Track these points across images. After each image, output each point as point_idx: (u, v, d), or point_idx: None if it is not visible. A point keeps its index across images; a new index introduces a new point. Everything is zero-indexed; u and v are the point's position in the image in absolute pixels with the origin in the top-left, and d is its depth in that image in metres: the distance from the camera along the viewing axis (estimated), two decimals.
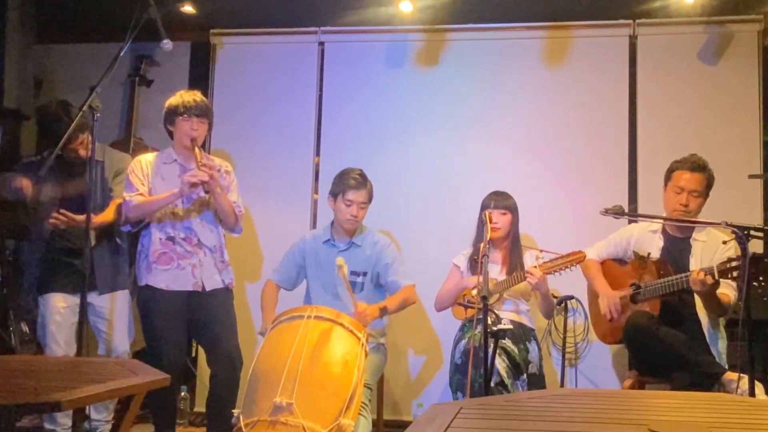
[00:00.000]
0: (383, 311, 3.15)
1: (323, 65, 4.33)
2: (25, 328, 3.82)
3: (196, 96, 3.25)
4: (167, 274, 3.20)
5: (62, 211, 3.15)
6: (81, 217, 3.08)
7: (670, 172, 3.17)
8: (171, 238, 3.22)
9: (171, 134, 3.29)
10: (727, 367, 2.94)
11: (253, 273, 4.17)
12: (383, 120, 4.22)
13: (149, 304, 3.23)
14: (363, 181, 3.30)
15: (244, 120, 4.31)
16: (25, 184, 3.20)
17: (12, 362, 2.29)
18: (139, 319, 3.31)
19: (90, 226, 2.94)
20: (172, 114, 3.22)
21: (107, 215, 3.31)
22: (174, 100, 3.24)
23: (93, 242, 3.22)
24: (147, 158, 3.33)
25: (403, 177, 4.14)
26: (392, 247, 3.39)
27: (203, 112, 3.23)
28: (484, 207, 3.33)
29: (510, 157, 4.07)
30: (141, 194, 3.21)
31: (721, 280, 2.81)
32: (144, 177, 3.26)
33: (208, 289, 3.23)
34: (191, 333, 3.39)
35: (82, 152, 3.25)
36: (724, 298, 2.95)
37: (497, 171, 4.01)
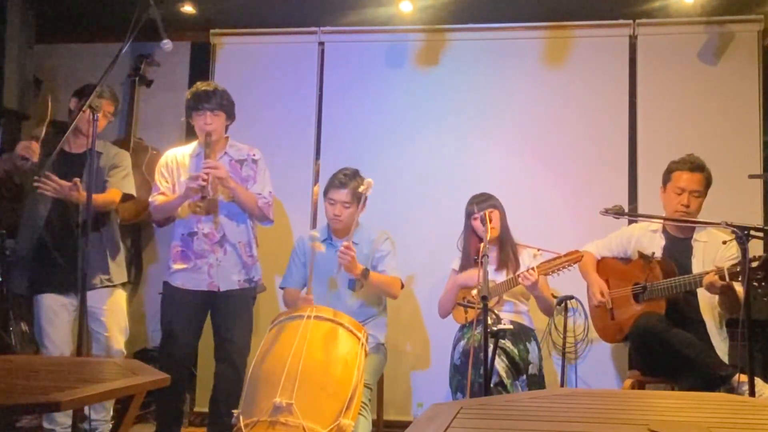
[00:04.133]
0: (365, 273, 3.15)
1: (323, 65, 4.33)
2: (25, 328, 3.82)
3: (210, 87, 3.22)
4: (183, 273, 3.22)
5: (47, 173, 3.05)
6: (67, 183, 3.06)
7: (668, 172, 3.18)
8: (192, 234, 3.22)
9: (194, 128, 3.31)
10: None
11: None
12: (383, 120, 4.22)
13: (167, 301, 3.28)
14: (346, 180, 3.26)
15: (243, 120, 4.29)
16: (31, 147, 3.09)
17: (12, 362, 2.29)
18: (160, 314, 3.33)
19: (88, 229, 2.92)
20: (189, 108, 3.23)
21: (101, 196, 3.21)
22: (189, 93, 3.24)
23: (81, 240, 3.19)
24: (173, 153, 3.34)
25: (402, 177, 4.14)
26: (388, 241, 3.40)
27: (217, 105, 3.19)
28: (470, 213, 3.32)
29: (510, 157, 4.07)
30: (162, 193, 3.23)
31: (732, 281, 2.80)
32: (168, 173, 3.27)
33: (222, 289, 3.23)
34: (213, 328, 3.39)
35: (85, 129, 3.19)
36: (741, 295, 2.93)
37: (497, 171, 4.01)
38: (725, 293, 2.85)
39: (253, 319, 3.41)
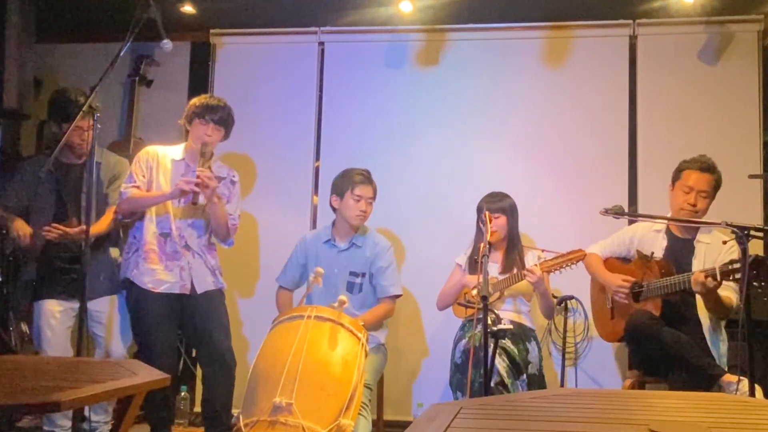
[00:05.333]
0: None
1: (323, 65, 4.32)
2: (25, 328, 3.81)
3: (221, 102, 3.24)
4: (154, 275, 3.18)
5: (54, 225, 3.13)
6: (73, 230, 3.12)
7: (678, 171, 3.17)
8: (164, 234, 3.21)
9: (186, 132, 3.29)
10: (726, 369, 2.94)
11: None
12: (383, 120, 4.22)
13: (138, 306, 3.21)
14: (369, 176, 3.35)
15: (243, 120, 4.29)
16: (23, 232, 3.18)
17: (12, 362, 2.28)
18: (130, 319, 3.29)
19: (88, 231, 2.92)
20: (193, 114, 3.21)
21: (102, 225, 3.27)
22: (198, 100, 3.23)
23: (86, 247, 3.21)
24: (155, 150, 3.31)
25: (403, 177, 4.13)
26: (391, 251, 3.40)
27: (222, 121, 3.21)
28: (479, 210, 3.34)
29: (510, 157, 4.07)
30: (137, 186, 3.20)
31: (723, 282, 2.81)
32: (146, 169, 3.24)
33: (199, 291, 3.22)
34: (185, 336, 3.38)
35: (83, 141, 3.21)
36: (726, 300, 2.95)
37: (497, 171, 4.01)
38: (710, 294, 2.85)
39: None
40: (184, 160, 3.28)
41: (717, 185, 3.12)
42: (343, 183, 3.34)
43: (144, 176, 3.23)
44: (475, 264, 3.26)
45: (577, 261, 3.08)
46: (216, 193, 3.16)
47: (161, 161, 3.27)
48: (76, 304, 3.25)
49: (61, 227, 3.13)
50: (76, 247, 3.19)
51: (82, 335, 2.86)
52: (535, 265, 3.12)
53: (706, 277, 2.78)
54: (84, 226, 3.09)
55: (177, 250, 3.20)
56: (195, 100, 3.24)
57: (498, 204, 3.32)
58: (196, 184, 3.05)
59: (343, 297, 2.90)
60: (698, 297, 3.01)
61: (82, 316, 2.87)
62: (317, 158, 4.29)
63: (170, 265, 3.19)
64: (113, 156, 3.47)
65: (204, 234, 3.29)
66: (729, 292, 2.96)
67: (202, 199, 3.13)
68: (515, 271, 3.26)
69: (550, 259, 3.12)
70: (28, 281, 3.29)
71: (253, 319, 4.06)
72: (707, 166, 3.11)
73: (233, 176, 3.38)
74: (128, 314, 3.38)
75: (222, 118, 3.21)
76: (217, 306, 3.28)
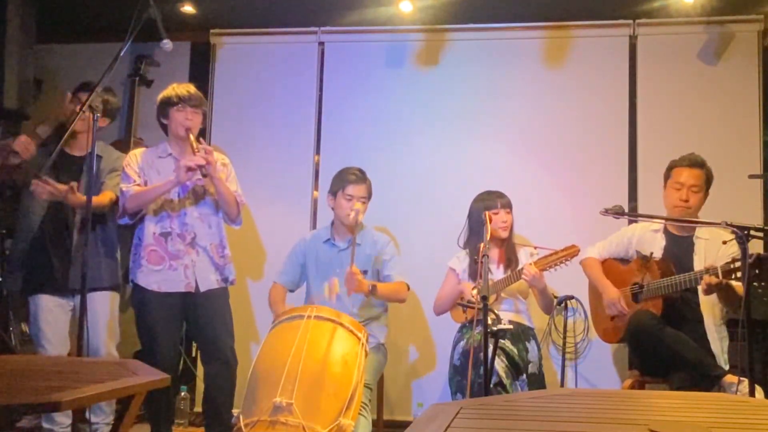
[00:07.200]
0: (373, 289, 3.16)
1: (323, 65, 4.32)
2: (25, 328, 3.81)
3: (190, 88, 3.23)
4: (158, 275, 3.17)
5: (44, 177, 3.07)
6: (63, 186, 3.08)
7: (669, 170, 3.21)
8: (165, 234, 3.19)
9: (164, 128, 3.27)
10: (727, 366, 2.94)
11: (256, 271, 4.16)
12: (383, 120, 4.22)
13: (143, 306, 3.21)
14: (362, 176, 3.35)
15: (244, 120, 4.31)
16: (27, 146, 3.12)
17: (12, 362, 2.28)
18: (134, 319, 3.29)
19: (88, 228, 2.92)
20: (166, 106, 3.20)
21: (93, 199, 3.17)
22: (167, 92, 3.22)
23: (77, 240, 3.21)
24: (141, 151, 3.32)
25: (402, 177, 4.14)
26: (391, 244, 3.42)
27: (197, 103, 3.21)
28: (486, 207, 3.28)
29: (510, 157, 4.07)
30: (137, 184, 3.20)
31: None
32: (138, 168, 3.24)
33: (202, 289, 3.21)
34: (188, 333, 3.37)
35: (78, 129, 3.22)
36: (739, 289, 2.93)
37: (497, 171, 4.01)
38: (724, 290, 2.85)
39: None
40: (171, 155, 3.27)
41: (708, 179, 3.15)
42: (337, 183, 3.36)
43: (139, 175, 3.23)
44: (476, 265, 3.26)
45: (572, 257, 3.07)
46: (216, 169, 3.16)
47: (148, 161, 3.27)
48: (70, 300, 3.27)
49: (51, 182, 3.07)
50: (66, 240, 3.18)
51: (82, 332, 2.85)
52: (530, 264, 3.11)
53: (714, 278, 2.77)
54: (74, 184, 3.10)
55: (180, 248, 3.19)
56: (164, 93, 3.23)
57: (505, 199, 3.32)
58: (202, 159, 3.06)
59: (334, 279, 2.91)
60: (701, 295, 3.00)
61: (83, 311, 2.87)
62: (317, 156, 4.29)
63: (174, 264, 3.19)
64: (115, 151, 3.47)
65: (214, 226, 3.27)
66: (737, 283, 2.94)
67: (209, 171, 3.11)
68: (509, 272, 3.26)
69: (544, 257, 3.11)
70: (21, 275, 3.28)
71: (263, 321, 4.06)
72: (695, 162, 3.14)
73: (223, 160, 3.37)
74: (120, 313, 3.39)
75: (196, 101, 3.21)
76: (221, 305, 3.28)
